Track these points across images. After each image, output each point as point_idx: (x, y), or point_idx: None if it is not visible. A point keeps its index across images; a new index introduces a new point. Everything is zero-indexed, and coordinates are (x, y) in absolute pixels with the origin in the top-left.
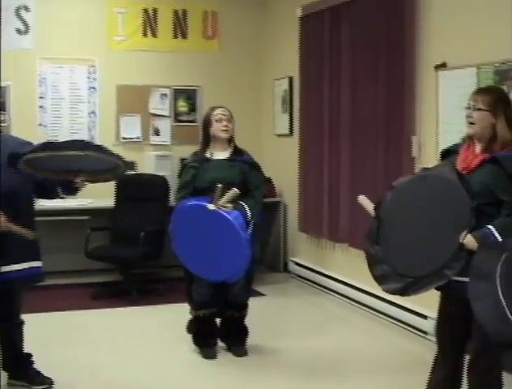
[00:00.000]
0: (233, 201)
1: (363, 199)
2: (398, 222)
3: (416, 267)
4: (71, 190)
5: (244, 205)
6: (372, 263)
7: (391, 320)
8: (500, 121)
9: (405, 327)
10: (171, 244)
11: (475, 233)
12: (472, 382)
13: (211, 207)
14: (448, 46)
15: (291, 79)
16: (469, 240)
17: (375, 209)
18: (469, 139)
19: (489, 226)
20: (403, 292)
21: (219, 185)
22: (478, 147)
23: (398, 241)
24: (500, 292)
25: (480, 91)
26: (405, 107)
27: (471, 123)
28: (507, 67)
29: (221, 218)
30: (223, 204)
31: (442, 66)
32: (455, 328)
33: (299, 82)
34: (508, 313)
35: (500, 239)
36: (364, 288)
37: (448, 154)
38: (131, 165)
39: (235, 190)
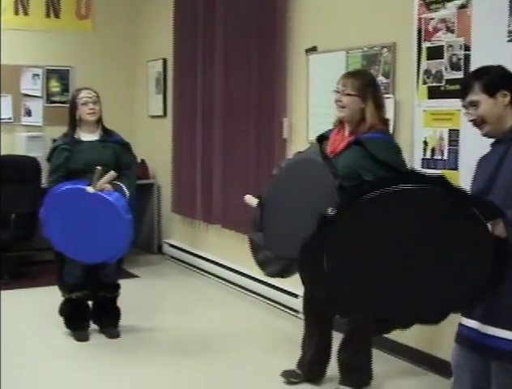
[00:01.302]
0: (110, 182)
1: (248, 198)
2: (276, 208)
3: (291, 248)
4: None
5: (122, 186)
6: (254, 249)
7: (264, 300)
8: (368, 105)
9: (277, 306)
10: (42, 228)
11: None
12: (341, 360)
13: (91, 189)
14: (318, 30)
15: (165, 61)
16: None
17: (259, 200)
18: (340, 123)
19: None
20: (282, 274)
21: (99, 168)
22: (347, 131)
23: (277, 226)
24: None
25: (348, 76)
26: (276, 90)
27: (342, 107)
28: (374, 52)
29: (102, 200)
30: (102, 186)
31: (313, 49)
32: (320, 308)
33: (173, 63)
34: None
35: None
36: (237, 268)
37: (323, 139)
38: None
39: (112, 173)
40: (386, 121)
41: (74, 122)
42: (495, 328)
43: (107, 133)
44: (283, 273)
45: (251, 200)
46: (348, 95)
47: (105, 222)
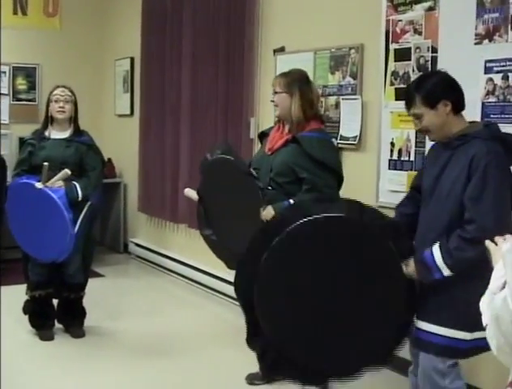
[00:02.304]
0: (65, 180)
1: (188, 191)
2: (217, 205)
3: (241, 242)
4: None
5: (76, 184)
6: (211, 246)
7: (230, 300)
8: (294, 101)
9: None
10: (8, 223)
11: (274, 205)
12: None
13: (39, 185)
14: (287, 31)
15: (132, 60)
16: (267, 211)
17: (198, 196)
18: (279, 121)
19: (290, 199)
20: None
21: (45, 164)
22: (286, 128)
23: (221, 220)
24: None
25: (278, 76)
26: (244, 89)
27: (275, 106)
28: (342, 53)
29: (46, 196)
30: (52, 183)
31: (281, 50)
32: None
33: (140, 62)
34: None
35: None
36: (203, 268)
37: (264, 136)
38: None
39: (66, 171)
40: (319, 118)
41: (47, 118)
42: (422, 322)
43: (76, 133)
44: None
45: (190, 193)
46: (277, 93)
47: (49, 219)
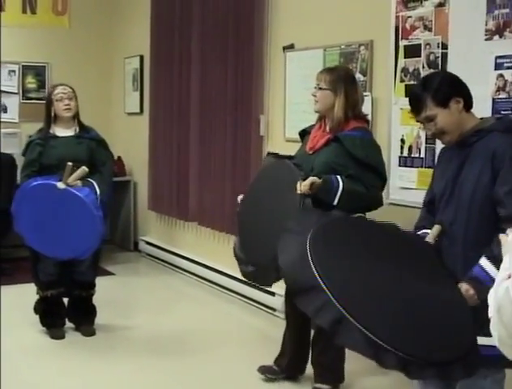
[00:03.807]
0: (82, 179)
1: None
2: (251, 214)
3: (262, 254)
4: None
5: (93, 182)
6: (239, 263)
7: (241, 298)
8: (338, 99)
9: (254, 304)
10: (14, 223)
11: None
12: (314, 357)
13: (61, 185)
14: (296, 28)
15: (142, 58)
16: (308, 180)
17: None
18: (320, 120)
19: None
20: (254, 279)
21: (69, 164)
22: (328, 127)
23: (251, 231)
24: (308, 246)
25: (323, 71)
26: (253, 87)
27: (316, 101)
28: (352, 50)
29: (72, 196)
30: (72, 182)
31: (290, 47)
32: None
33: (149, 60)
34: (310, 260)
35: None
36: (213, 266)
37: (304, 134)
38: None
39: (84, 168)
40: (363, 118)
41: (49, 118)
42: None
43: (83, 129)
44: (255, 279)
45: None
46: (321, 89)
47: (75, 218)
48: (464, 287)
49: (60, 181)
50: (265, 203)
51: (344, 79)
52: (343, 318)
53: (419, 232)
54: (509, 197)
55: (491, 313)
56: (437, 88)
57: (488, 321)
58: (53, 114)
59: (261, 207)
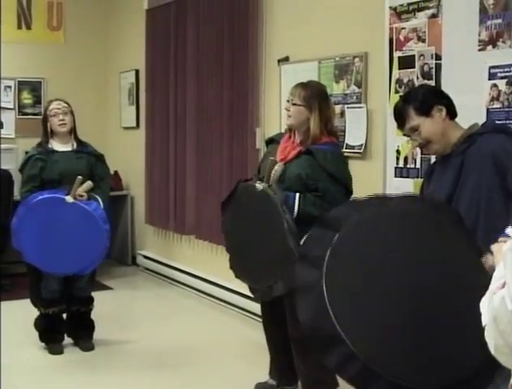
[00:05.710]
0: (87, 192)
1: None
2: (239, 238)
3: (260, 278)
4: None
5: (97, 197)
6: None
7: (238, 310)
8: (313, 116)
9: (252, 316)
10: (13, 239)
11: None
12: (299, 370)
13: (70, 199)
14: (291, 40)
15: (137, 72)
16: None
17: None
18: (290, 131)
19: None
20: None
21: (79, 177)
22: (298, 139)
23: (242, 256)
24: (324, 284)
25: (298, 86)
26: (249, 100)
27: (289, 116)
28: (346, 62)
29: (81, 210)
30: (79, 196)
31: (285, 59)
32: (277, 311)
33: (145, 75)
34: (329, 309)
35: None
36: (211, 279)
37: (271, 142)
38: None
39: (89, 183)
40: (334, 133)
41: (47, 133)
42: None
43: (81, 144)
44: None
45: None
46: (295, 105)
47: (82, 232)
48: (489, 259)
49: (67, 195)
50: (249, 229)
51: (318, 95)
52: (367, 370)
53: None
54: None
55: (485, 321)
56: (417, 98)
57: None
58: (49, 130)
59: (245, 234)
